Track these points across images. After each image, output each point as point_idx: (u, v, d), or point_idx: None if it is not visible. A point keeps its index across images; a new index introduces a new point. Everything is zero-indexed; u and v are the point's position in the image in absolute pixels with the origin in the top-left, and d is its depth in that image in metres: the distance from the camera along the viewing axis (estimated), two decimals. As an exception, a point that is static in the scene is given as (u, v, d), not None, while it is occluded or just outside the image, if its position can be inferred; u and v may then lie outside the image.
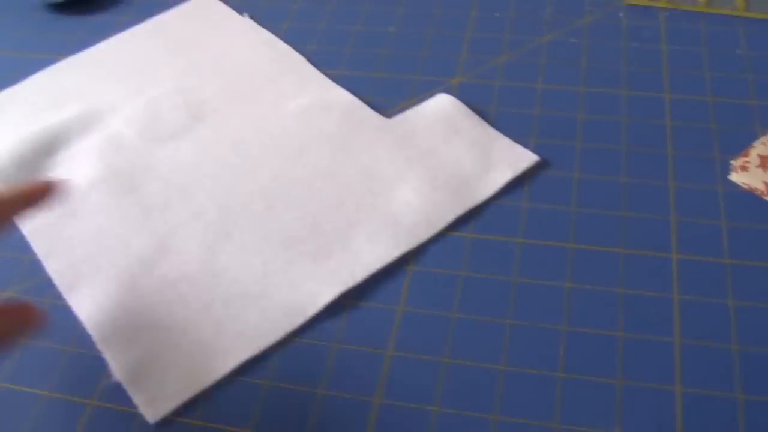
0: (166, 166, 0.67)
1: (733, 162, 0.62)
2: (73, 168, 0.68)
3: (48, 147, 0.70)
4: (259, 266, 0.59)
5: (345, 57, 0.76)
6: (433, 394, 0.51)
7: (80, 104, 0.74)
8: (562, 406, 0.49)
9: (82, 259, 0.61)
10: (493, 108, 0.68)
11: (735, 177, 0.61)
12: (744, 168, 0.61)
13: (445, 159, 0.64)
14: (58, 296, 0.59)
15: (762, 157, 0.61)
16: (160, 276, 0.59)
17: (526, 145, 0.65)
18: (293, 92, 0.73)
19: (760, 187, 0.60)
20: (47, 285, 0.60)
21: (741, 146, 0.63)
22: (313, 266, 0.58)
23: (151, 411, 0.52)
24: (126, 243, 0.62)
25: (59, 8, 0.88)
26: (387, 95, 0.71)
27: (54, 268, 0.61)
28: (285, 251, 0.59)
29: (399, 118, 0.68)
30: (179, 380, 0.53)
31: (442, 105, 0.68)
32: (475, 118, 0.67)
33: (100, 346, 0.55)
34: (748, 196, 0.60)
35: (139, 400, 0.52)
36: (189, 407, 0.52)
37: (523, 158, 0.64)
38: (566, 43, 0.74)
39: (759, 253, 0.56)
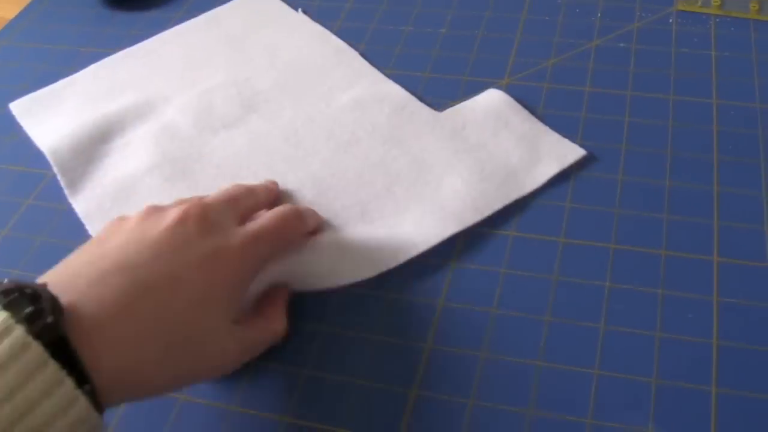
0: (219, 154, 0.69)
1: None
2: (128, 154, 0.70)
3: (104, 134, 0.72)
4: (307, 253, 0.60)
5: (395, 56, 0.77)
6: (470, 389, 0.51)
7: (136, 93, 0.76)
8: (596, 402, 0.50)
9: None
10: (540, 110, 0.69)
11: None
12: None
13: (493, 151, 0.65)
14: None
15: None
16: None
17: (572, 146, 0.65)
18: (345, 85, 0.74)
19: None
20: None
21: (787, 153, 0.64)
22: (360, 248, 0.59)
23: None
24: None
25: (116, 4, 0.90)
26: (436, 95, 0.72)
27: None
28: (334, 238, 0.60)
29: (449, 111, 0.69)
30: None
31: (491, 99, 0.69)
32: (524, 113, 0.68)
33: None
34: (792, 203, 0.60)
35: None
36: (225, 393, 0.52)
37: (571, 152, 0.64)
38: (615, 47, 0.75)
39: (801, 259, 0.57)
